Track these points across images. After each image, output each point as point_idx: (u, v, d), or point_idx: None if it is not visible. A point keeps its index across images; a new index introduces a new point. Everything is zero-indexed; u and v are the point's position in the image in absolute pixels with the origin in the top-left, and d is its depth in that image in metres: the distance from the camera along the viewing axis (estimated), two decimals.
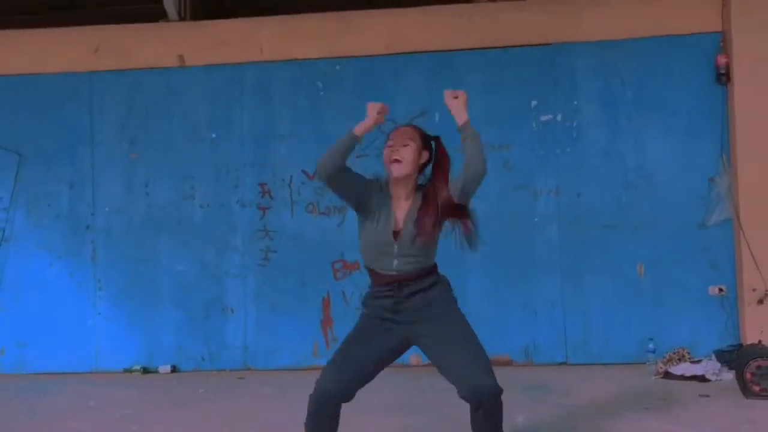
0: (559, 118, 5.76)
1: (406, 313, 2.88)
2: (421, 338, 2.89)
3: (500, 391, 2.74)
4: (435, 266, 2.99)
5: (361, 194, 2.95)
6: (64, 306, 6.04)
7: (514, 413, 4.09)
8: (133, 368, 5.92)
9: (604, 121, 5.72)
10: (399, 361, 5.61)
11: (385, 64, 5.87)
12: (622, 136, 5.70)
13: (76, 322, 6.03)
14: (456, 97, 3.03)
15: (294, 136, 5.96)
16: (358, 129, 2.90)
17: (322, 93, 5.95)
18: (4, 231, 6.08)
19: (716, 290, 5.56)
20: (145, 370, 5.90)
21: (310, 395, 2.83)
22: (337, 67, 5.93)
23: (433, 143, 3.06)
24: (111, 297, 6.04)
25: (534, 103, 5.77)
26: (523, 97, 5.77)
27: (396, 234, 2.88)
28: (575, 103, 5.74)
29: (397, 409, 4.36)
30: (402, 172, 2.91)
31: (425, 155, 2.99)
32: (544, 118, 5.77)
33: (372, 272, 2.96)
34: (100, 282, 6.05)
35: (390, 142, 2.94)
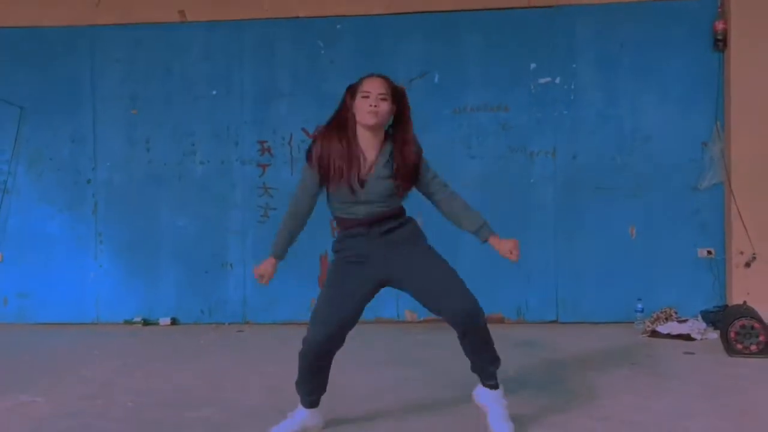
0: (557, 80, 5.81)
1: (378, 251, 3.02)
2: (396, 274, 3.03)
3: (481, 310, 2.97)
4: (402, 208, 3.15)
5: (319, 177, 3.08)
6: (66, 259, 6.15)
7: (504, 367, 4.24)
8: (134, 320, 6.05)
9: (601, 84, 5.78)
10: (394, 316, 5.80)
11: (385, 24, 5.90)
12: (619, 99, 5.77)
13: (78, 275, 6.14)
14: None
15: (294, 95, 6.00)
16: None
17: (322, 52, 5.98)
18: (6, 183, 6.15)
19: (705, 253, 5.69)
20: (146, 322, 6.03)
21: (301, 351, 3.00)
22: (338, 26, 5.95)
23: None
24: (112, 251, 6.14)
25: (533, 65, 5.82)
26: (522, 59, 5.81)
27: (362, 182, 2.99)
28: (574, 66, 5.79)
29: (394, 363, 4.49)
30: (377, 121, 2.99)
31: (393, 107, 3.06)
32: (542, 80, 5.82)
33: (340, 220, 3.10)
34: (101, 236, 6.15)
35: (365, 92, 3.00)
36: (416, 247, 3.09)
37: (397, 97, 3.06)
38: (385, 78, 3.09)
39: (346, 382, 3.61)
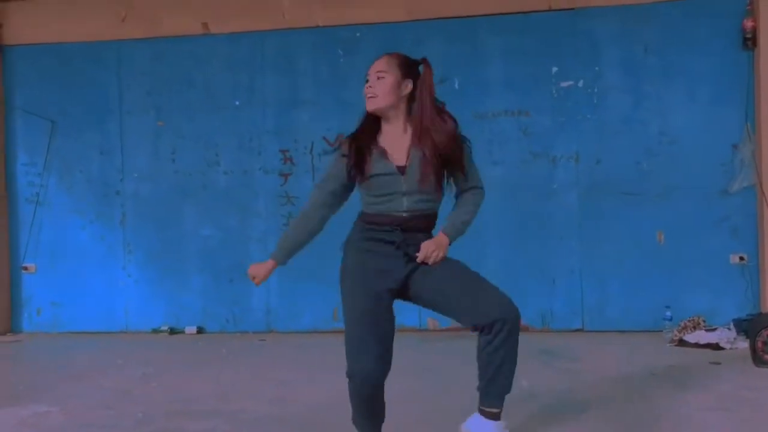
0: (580, 84, 5.70)
1: (401, 253, 2.65)
2: (418, 278, 2.67)
3: (518, 313, 2.65)
4: (436, 215, 2.77)
5: (346, 175, 2.70)
6: (96, 268, 6.29)
7: (519, 377, 4.16)
8: (161, 329, 6.14)
9: (626, 87, 5.65)
10: (416, 324, 5.75)
11: (405, 30, 5.87)
12: (644, 102, 5.63)
13: (107, 284, 6.28)
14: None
15: (315, 103, 6.03)
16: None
17: (342, 60, 5.99)
18: (38, 195, 6.32)
19: (737, 259, 5.50)
20: (172, 331, 6.12)
21: (351, 389, 2.64)
22: (358, 34, 5.95)
23: (420, 68, 2.74)
24: (140, 260, 6.25)
25: (555, 69, 5.72)
26: (543, 63, 5.72)
27: (401, 169, 2.63)
28: (597, 68, 5.68)
29: (406, 372, 4.43)
30: (376, 106, 2.67)
31: (408, 84, 2.69)
32: (564, 84, 5.72)
33: (374, 216, 2.67)
34: (129, 246, 6.27)
35: (366, 77, 2.71)
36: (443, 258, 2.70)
37: (409, 70, 2.68)
38: (391, 54, 2.73)
39: None
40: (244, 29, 6.08)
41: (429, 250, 2.66)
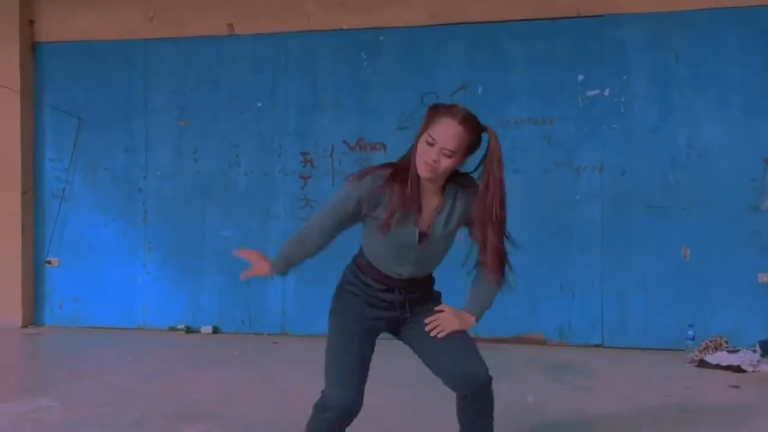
0: (606, 92, 5.55)
1: (397, 310, 2.58)
2: (406, 329, 2.62)
3: (490, 379, 2.51)
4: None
5: (358, 215, 2.49)
6: (117, 265, 6.33)
7: (527, 392, 4.06)
8: (178, 327, 6.17)
9: (654, 96, 5.48)
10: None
11: (428, 35, 5.80)
12: (672, 112, 5.45)
13: (127, 281, 6.32)
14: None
15: (337, 107, 5.99)
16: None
17: (365, 64, 5.94)
18: (64, 191, 6.40)
19: (766, 278, 5.28)
20: (189, 330, 6.13)
21: (320, 417, 2.55)
22: (381, 38, 5.90)
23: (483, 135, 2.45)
24: (159, 258, 6.28)
25: (581, 77, 5.58)
26: (569, 70, 5.58)
27: (422, 236, 2.47)
28: (624, 77, 5.52)
29: (409, 383, 4.35)
30: (431, 177, 2.41)
31: (461, 161, 2.43)
32: (590, 93, 5.57)
33: (373, 270, 2.56)
34: (150, 243, 6.31)
35: (432, 137, 2.35)
36: (431, 307, 2.61)
37: (476, 146, 2.42)
38: (467, 125, 2.37)
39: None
40: (269, 31, 6.07)
41: (448, 327, 2.53)
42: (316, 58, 6.03)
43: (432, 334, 2.53)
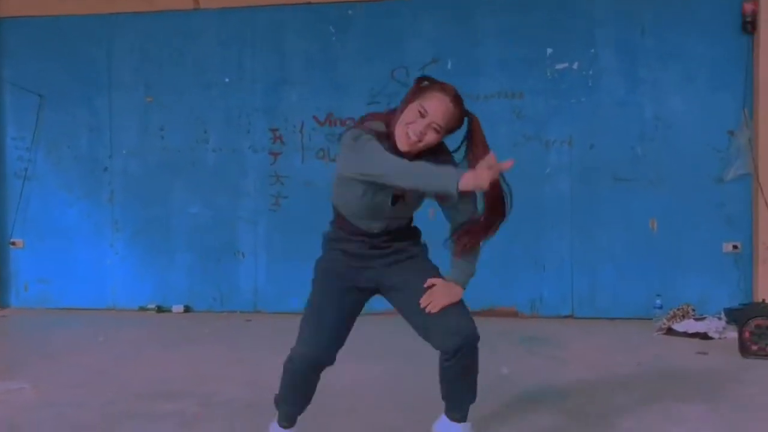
0: (575, 66, 5.59)
1: (376, 260, 2.61)
2: (389, 286, 2.62)
3: (478, 337, 2.53)
4: (412, 217, 2.71)
5: None
6: (84, 245, 6.23)
7: (499, 364, 4.10)
8: (148, 307, 6.10)
9: (621, 70, 5.53)
10: (390, 308, 5.71)
11: (397, 9, 5.76)
12: (640, 86, 5.51)
13: (95, 261, 6.23)
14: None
15: (305, 82, 5.93)
16: (464, 184, 2.19)
17: (334, 38, 5.88)
18: (26, 171, 6.26)
19: (730, 247, 5.41)
20: (160, 309, 6.07)
21: (288, 369, 2.63)
22: (350, 12, 5.84)
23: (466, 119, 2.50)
24: (127, 238, 6.19)
25: (549, 50, 5.60)
26: (538, 44, 5.60)
27: (396, 198, 2.52)
28: (592, 51, 5.55)
29: (385, 356, 4.39)
30: (411, 151, 2.44)
31: (443, 137, 2.48)
32: (559, 66, 5.60)
33: (346, 223, 2.60)
34: (117, 223, 6.21)
35: (424, 109, 2.40)
36: (415, 261, 2.64)
37: (453, 130, 2.47)
38: (457, 104, 2.43)
39: (330, 374, 3.53)
40: (235, 5, 5.96)
41: (441, 302, 2.51)
42: (284, 32, 5.95)
43: (427, 310, 2.51)
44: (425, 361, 4.13)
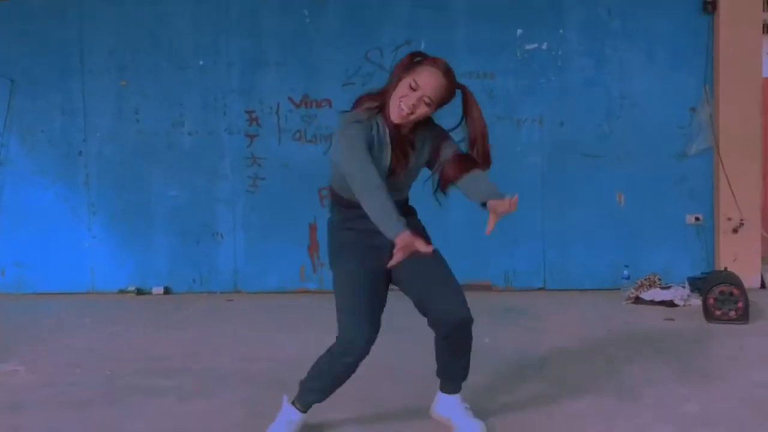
0: (544, 46, 5.76)
1: (384, 238, 2.54)
2: (395, 270, 2.66)
3: (472, 320, 2.70)
4: (408, 196, 2.85)
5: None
6: (60, 229, 6.22)
7: (481, 335, 4.28)
8: (128, 289, 6.15)
9: (588, 50, 5.73)
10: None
11: None
12: (606, 65, 5.72)
13: (72, 245, 6.23)
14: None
15: (281, 64, 5.99)
16: (397, 244, 2.37)
17: (308, 20, 5.95)
18: None
19: (693, 219, 5.68)
20: (139, 292, 6.12)
21: (339, 354, 2.62)
22: None
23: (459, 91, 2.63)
24: (105, 221, 6.21)
25: (519, 31, 5.76)
26: (508, 25, 5.76)
27: (392, 171, 2.63)
28: (561, 31, 5.73)
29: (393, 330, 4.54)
30: (403, 122, 2.58)
31: (436, 110, 2.61)
32: (529, 46, 5.77)
33: (347, 201, 2.66)
34: (94, 206, 6.22)
35: (415, 83, 2.50)
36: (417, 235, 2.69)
37: (445, 103, 2.59)
38: (449, 77, 2.56)
39: (318, 347, 3.66)
40: None
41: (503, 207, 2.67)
42: (259, 15, 5.99)
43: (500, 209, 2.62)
44: (416, 337, 4.32)
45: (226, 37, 6.02)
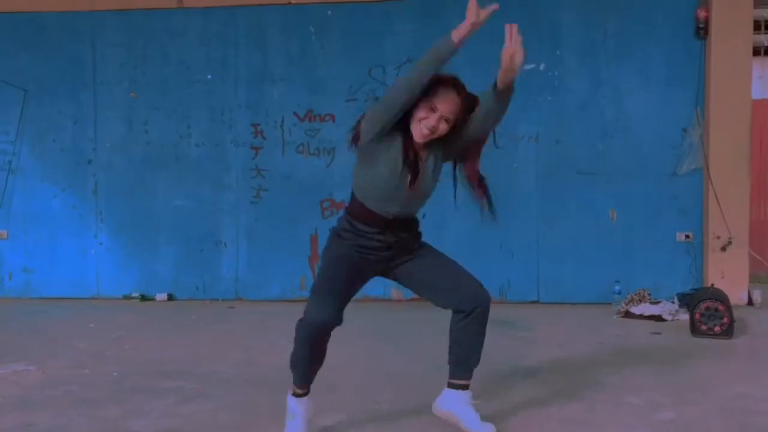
0: (542, 67, 5.95)
1: (387, 251, 2.87)
2: (400, 267, 2.90)
3: (490, 300, 2.97)
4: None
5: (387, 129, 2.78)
6: (68, 236, 6.42)
7: None
8: (132, 295, 6.31)
9: (585, 71, 5.92)
10: (380, 295, 5.97)
11: (375, 9, 6.06)
12: (601, 86, 5.91)
13: (79, 252, 6.42)
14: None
15: (286, 79, 6.19)
16: (456, 35, 2.75)
17: (313, 38, 6.15)
18: (11, 163, 6.41)
19: (683, 237, 5.84)
20: (143, 298, 6.29)
21: (303, 333, 2.81)
22: (329, 12, 6.11)
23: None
24: (112, 229, 6.40)
25: None
26: None
27: (413, 179, 2.77)
28: (558, 53, 5.92)
29: (369, 337, 4.70)
30: (425, 141, 2.78)
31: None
32: (527, 66, 5.94)
33: (363, 209, 2.83)
34: (101, 214, 6.40)
35: (434, 105, 2.75)
36: (422, 246, 2.97)
37: (466, 113, 2.85)
38: (464, 96, 2.86)
39: (338, 354, 3.74)
40: (218, 4, 6.19)
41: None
42: (266, 31, 6.20)
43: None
44: (404, 343, 4.46)
45: (234, 53, 6.22)
